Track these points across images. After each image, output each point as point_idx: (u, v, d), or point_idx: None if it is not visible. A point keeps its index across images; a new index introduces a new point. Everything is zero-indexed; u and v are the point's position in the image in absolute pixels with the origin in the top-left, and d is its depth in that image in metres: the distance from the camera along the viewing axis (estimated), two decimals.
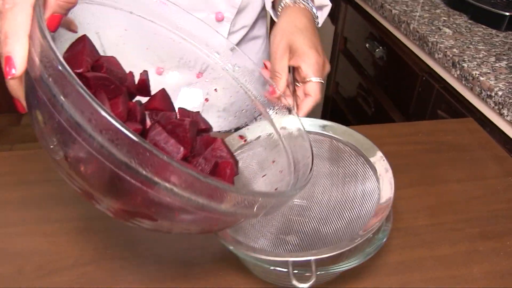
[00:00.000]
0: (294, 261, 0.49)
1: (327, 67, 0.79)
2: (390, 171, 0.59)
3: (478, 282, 0.62)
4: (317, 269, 0.54)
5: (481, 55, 1.08)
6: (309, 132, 0.64)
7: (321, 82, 0.75)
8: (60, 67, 0.34)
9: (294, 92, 0.78)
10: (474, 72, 1.00)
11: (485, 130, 0.89)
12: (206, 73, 0.67)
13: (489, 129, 0.93)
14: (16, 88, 0.46)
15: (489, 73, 1.00)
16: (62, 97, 0.35)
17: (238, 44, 0.96)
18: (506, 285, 0.62)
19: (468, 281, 0.62)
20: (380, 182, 0.59)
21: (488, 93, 0.94)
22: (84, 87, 0.34)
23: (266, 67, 0.80)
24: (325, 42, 1.97)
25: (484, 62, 1.04)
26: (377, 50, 1.48)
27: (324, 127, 0.67)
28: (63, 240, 0.66)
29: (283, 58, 0.76)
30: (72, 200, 0.72)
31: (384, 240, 0.58)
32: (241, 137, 0.66)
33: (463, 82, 1.03)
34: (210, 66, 0.66)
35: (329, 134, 0.67)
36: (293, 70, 0.78)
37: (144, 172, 0.35)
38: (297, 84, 0.77)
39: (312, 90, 0.75)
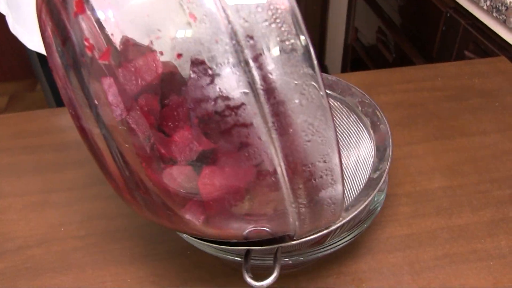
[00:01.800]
0: (252, 250, 0.38)
1: None
2: (388, 130, 0.46)
3: (507, 258, 0.50)
4: (298, 254, 0.43)
5: None
6: None
7: None
8: None
9: None
10: (507, 0, 0.84)
11: None
12: None
13: None
14: None
15: None
16: None
17: None
18: None
19: (494, 256, 0.50)
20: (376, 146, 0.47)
21: None
22: None
23: None
24: None
25: None
26: None
27: None
28: (12, 218, 0.57)
29: None
30: (29, 171, 0.63)
31: (378, 210, 0.46)
32: None
33: (494, 14, 0.87)
34: None
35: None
36: None
37: None
38: None
39: None
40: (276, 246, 0.37)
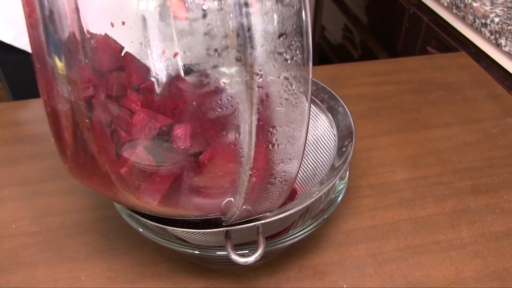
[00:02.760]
0: (230, 230, 0.37)
1: None
2: (351, 121, 0.46)
3: (468, 248, 0.50)
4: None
5: None
6: None
7: None
8: None
9: None
10: None
11: (480, 66, 0.75)
12: None
13: (485, 64, 0.80)
14: None
15: None
16: None
17: None
18: (502, 249, 0.50)
19: (455, 247, 0.51)
20: (339, 131, 0.46)
21: (483, 21, 0.80)
22: None
23: None
24: None
25: None
26: None
27: None
28: None
29: None
30: None
31: (339, 199, 0.45)
32: None
33: (454, 11, 0.88)
34: None
35: None
36: None
37: None
38: None
39: None
40: (256, 223, 0.36)
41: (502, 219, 0.54)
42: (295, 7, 0.26)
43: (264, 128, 0.28)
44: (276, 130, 0.29)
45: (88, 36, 0.29)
